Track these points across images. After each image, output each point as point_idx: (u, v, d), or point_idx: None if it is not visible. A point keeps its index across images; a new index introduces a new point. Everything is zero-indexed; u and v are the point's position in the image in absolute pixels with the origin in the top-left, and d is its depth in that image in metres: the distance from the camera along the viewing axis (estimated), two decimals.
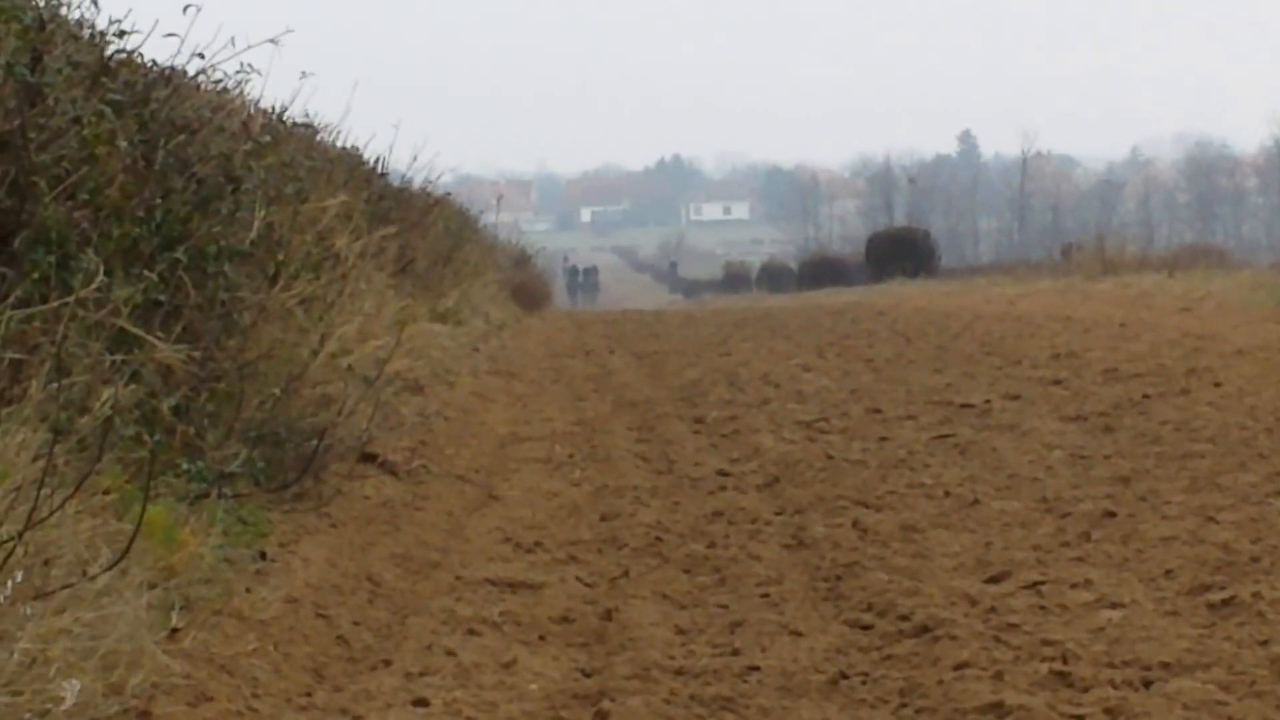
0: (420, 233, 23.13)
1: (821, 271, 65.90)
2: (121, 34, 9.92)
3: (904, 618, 8.27)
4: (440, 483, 12.60)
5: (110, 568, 6.79)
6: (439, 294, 23.53)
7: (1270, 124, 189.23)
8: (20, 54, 8.61)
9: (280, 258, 11.17)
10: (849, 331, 28.03)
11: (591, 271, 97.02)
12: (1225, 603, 8.33)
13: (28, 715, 5.94)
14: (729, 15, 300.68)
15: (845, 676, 7.44)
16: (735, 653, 7.85)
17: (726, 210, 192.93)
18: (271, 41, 10.78)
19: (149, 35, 10.04)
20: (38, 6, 9.08)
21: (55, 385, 7.52)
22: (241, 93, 11.94)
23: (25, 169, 8.53)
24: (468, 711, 6.95)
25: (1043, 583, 8.89)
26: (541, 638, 8.25)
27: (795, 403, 17.37)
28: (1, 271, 8.37)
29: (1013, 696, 6.91)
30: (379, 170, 21.94)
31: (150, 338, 8.96)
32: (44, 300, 8.19)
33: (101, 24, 9.98)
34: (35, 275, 8.37)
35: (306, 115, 16.74)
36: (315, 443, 10.54)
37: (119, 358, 8.59)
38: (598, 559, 10.15)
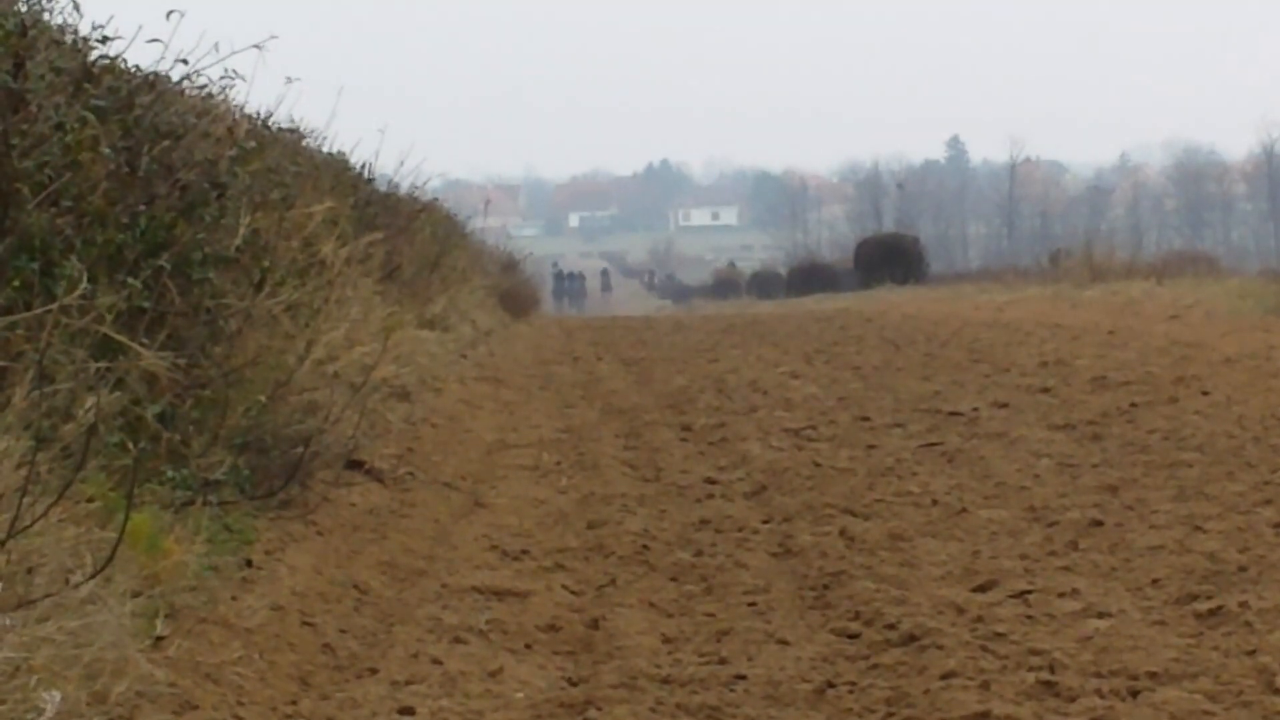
0: (407, 238, 23.08)
1: (810, 277, 65.82)
2: (104, 39, 9.88)
3: (891, 626, 8.26)
4: (427, 490, 12.57)
5: (94, 576, 6.75)
6: (426, 300, 23.48)
7: (1259, 131, 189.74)
8: (2, 60, 8.57)
9: (266, 264, 11.12)
10: (837, 338, 28.03)
11: (578, 277, 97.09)
12: (1212, 612, 8.31)
13: None
14: (716, 20, 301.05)
15: (832, 685, 7.42)
16: (722, 661, 7.83)
17: (715, 216, 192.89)
18: (256, 47, 10.74)
19: (132, 41, 10.00)
20: (19, 12, 9.03)
21: (38, 393, 7.47)
22: (226, 98, 11.92)
23: (8, 175, 8.49)
24: None
25: (1030, 592, 8.87)
26: (528, 646, 8.23)
27: (783, 410, 17.35)
28: None
29: (999, 706, 6.90)
30: (365, 176, 21.91)
31: (134, 345, 8.91)
32: (27, 307, 8.15)
33: (84, 29, 9.95)
34: (18, 282, 8.34)
35: (292, 120, 16.73)
36: (301, 450, 10.51)
37: (103, 365, 8.55)
38: (585, 567, 10.13)
